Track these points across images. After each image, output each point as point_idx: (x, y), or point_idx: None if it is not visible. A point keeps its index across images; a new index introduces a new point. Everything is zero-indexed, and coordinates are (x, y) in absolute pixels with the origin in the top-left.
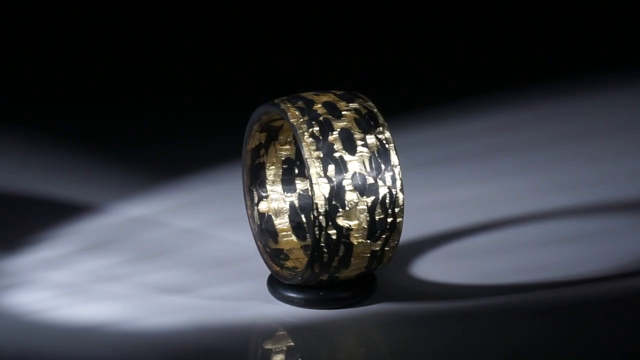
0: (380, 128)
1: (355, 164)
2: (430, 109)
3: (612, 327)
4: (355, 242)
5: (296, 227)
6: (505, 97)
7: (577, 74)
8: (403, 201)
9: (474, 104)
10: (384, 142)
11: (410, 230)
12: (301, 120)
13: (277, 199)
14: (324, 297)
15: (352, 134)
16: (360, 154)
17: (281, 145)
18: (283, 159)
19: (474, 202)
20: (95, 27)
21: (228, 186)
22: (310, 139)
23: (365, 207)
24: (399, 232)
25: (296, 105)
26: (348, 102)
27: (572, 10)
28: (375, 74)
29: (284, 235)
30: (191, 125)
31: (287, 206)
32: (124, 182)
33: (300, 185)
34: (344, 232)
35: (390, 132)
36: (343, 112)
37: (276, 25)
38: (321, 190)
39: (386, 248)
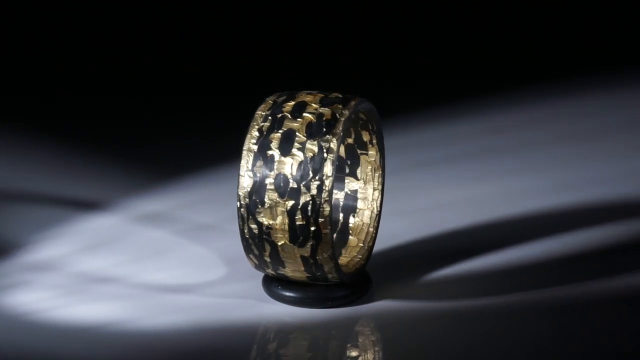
0: (329, 136)
1: (284, 165)
2: (430, 109)
3: (614, 327)
4: (278, 242)
5: None
6: (505, 97)
7: (577, 74)
8: (329, 214)
9: (474, 104)
10: (324, 150)
11: (410, 230)
12: (262, 113)
13: None
14: (316, 296)
15: (294, 136)
16: (292, 156)
17: None
18: None
19: (474, 202)
20: (96, 26)
21: (228, 186)
22: (256, 133)
23: (285, 210)
24: (328, 244)
25: (277, 100)
26: (324, 105)
27: (571, 10)
28: (375, 74)
29: None
30: (191, 125)
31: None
32: (124, 182)
33: (350, 185)
34: (264, 229)
35: (338, 143)
36: (305, 114)
37: (278, 24)
38: (244, 183)
39: (318, 257)
